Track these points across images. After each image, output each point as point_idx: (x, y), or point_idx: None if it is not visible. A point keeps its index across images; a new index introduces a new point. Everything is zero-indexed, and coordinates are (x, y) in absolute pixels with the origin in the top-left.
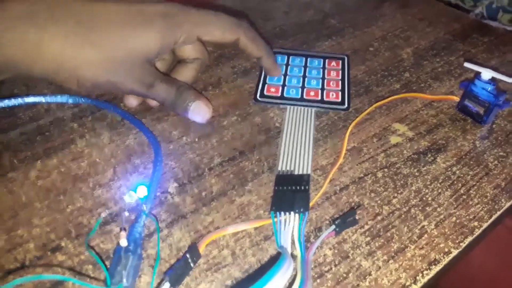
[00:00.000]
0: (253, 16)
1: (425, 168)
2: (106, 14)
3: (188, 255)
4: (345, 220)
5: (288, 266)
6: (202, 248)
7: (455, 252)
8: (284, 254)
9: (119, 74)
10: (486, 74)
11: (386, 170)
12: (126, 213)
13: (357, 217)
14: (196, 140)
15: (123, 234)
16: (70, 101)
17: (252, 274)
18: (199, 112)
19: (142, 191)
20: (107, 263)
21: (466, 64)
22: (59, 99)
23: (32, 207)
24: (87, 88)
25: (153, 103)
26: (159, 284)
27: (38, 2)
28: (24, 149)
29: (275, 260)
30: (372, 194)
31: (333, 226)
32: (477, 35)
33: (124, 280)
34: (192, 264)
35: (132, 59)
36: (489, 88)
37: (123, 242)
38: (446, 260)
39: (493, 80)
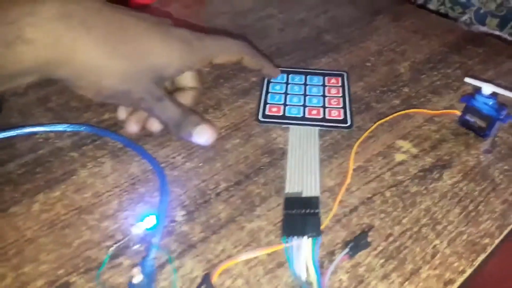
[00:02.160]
0: (249, 34)
1: (432, 185)
2: (134, 27)
3: (203, 287)
4: (357, 243)
5: None
6: (215, 278)
7: (469, 271)
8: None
9: (135, 84)
10: (487, 88)
11: (393, 189)
12: (137, 246)
13: (369, 239)
14: (200, 165)
15: (136, 270)
16: (69, 129)
17: None
18: (203, 135)
19: (149, 222)
20: None
21: (467, 79)
22: (58, 127)
23: (38, 242)
24: (102, 97)
25: (154, 127)
26: None
27: (70, 4)
28: (24, 181)
29: None
30: (382, 215)
31: (347, 250)
32: (471, 46)
33: None
34: None
35: (150, 73)
36: (490, 103)
37: (137, 279)
38: (461, 279)
39: (494, 95)
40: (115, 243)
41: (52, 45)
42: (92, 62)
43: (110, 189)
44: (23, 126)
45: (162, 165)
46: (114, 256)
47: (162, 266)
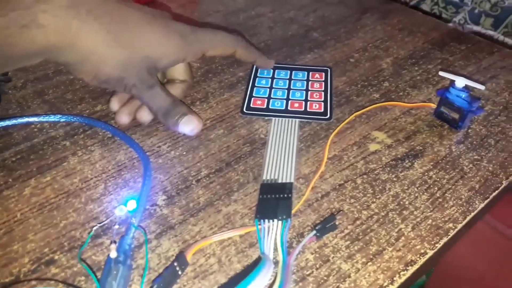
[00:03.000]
0: (240, 32)
1: (402, 173)
2: (135, 19)
3: (175, 263)
4: (325, 225)
5: (267, 269)
6: (189, 257)
7: (430, 253)
8: (265, 258)
9: (130, 72)
10: (460, 82)
11: (365, 176)
12: (117, 226)
13: (337, 223)
14: (184, 153)
15: (113, 246)
16: (63, 120)
17: (236, 278)
18: (190, 124)
19: (132, 205)
20: (99, 274)
21: (441, 73)
22: (52, 118)
23: (27, 223)
24: (98, 81)
25: (144, 117)
26: None
27: None
28: (18, 167)
29: (257, 264)
30: (352, 200)
31: (314, 232)
32: (454, 43)
33: None
34: (180, 272)
35: (145, 63)
36: (463, 95)
37: (113, 254)
38: (422, 260)
39: (467, 88)
40: (98, 223)
41: (61, 30)
42: (94, 48)
43: (98, 175)
44: (20, 117)
45: (148, 153)
46: (97, 236)
47: (140, 246)
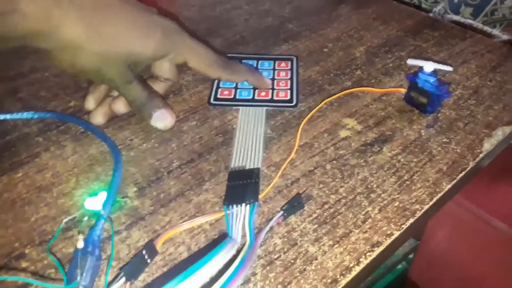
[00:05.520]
0: (215, 24)
1: (371, 158)
2: (119, 10)
3: (144, 251)
4: (292, 205)
5: (230, 247)
6: (159, 246)
7: (397, 234)
8: (229, 237)
9: (108, 66)
10: (428, 66)
11: (334, 162)
12: (86, 218)
13: (304, 204)
14: (156, 145)
15: (81, 237)
16: (36, 116)
17: (199, 256)
18: (162, 119)
19: (102, 197)
20: (68, 266)
21: (409, 61)
22: (25, 115)
23: None
24: (75, 70)
25: (119, 110)
26: (115, 278)
27: None
28: None
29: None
30: (321, 185)
31: (281, 212)
32: (428, 30)
33: (79, 278)
34: (148, 260)
35: (124, 58)
36: (431, 80)
37: (80, 244)
38: (388, 241)
39: (435, 73)
40: (68, 217)
41: (42, 19)
42: (73, 38)
43: (69, 169)
44: None
45: (120, 146)
46: (67, 229)
47: (110, 237)
